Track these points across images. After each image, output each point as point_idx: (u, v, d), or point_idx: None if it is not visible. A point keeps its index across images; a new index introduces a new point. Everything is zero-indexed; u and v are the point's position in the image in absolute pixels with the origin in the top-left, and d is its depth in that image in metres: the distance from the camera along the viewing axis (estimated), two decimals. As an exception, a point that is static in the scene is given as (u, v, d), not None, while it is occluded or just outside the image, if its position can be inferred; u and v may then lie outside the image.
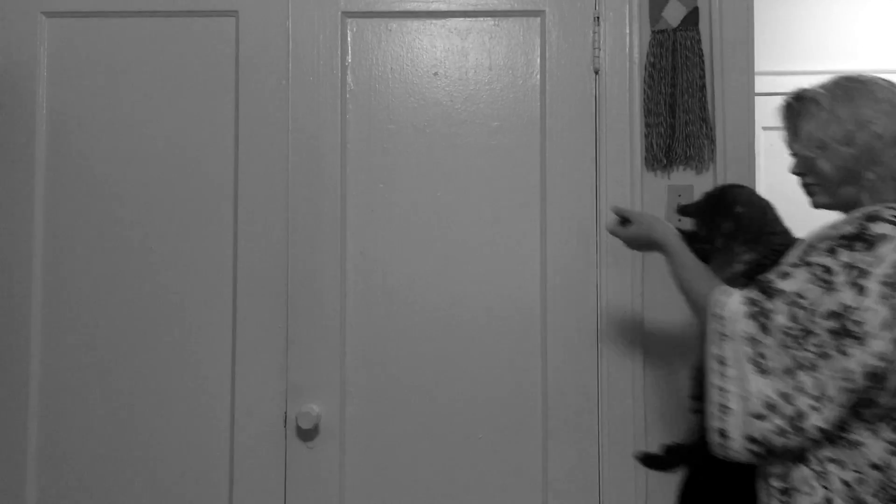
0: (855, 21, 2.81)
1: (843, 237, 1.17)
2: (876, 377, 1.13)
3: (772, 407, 1.16)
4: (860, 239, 1.15)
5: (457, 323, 1.78)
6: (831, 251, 1.17)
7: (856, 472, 1.18)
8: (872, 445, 1.18)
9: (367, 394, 1.78)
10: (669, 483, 1.75)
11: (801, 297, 1.17)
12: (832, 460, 1.19)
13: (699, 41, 1.78)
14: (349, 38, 1.82)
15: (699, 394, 1.34)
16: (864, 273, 1.13)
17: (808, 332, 1.15)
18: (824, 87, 1.32)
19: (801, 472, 1.20)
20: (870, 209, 1.21)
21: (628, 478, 1.73)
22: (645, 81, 1.78)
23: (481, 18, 1.82)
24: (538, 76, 1.81)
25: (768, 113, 2.70)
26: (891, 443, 1.18)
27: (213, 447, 1.78)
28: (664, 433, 1.75)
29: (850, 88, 1.29)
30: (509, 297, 1.79)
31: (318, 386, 1.77)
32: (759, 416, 1.17)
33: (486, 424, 1.77)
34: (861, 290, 1.13)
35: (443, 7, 1.82)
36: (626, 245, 1.49)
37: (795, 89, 1.35)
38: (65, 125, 1.83)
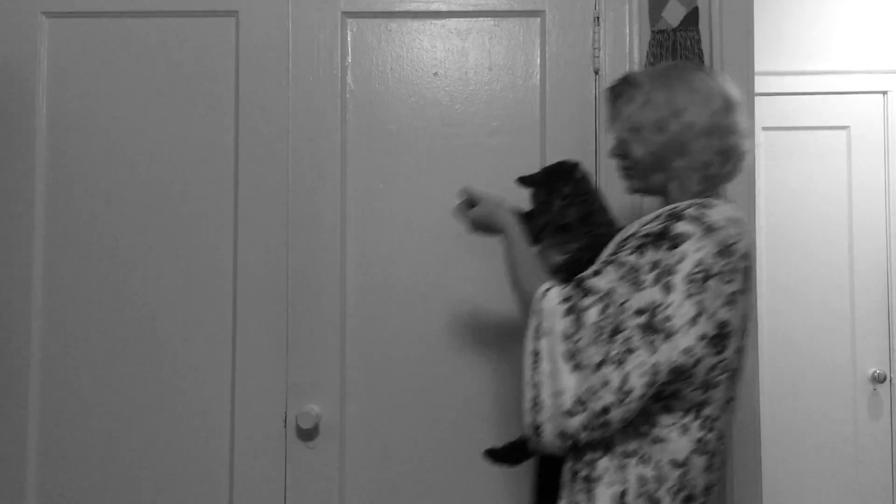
0: (854, 21, 2.81)
1: (649, 235, 1.20)
2: (681, 371, 1.17)
3: (581, 402, 1.18)
4: (664, 238, 1.18)
5: (457, 323, 1.78)
6: (639, 249, 1.19)
7: (657, 468, 1.20)
8: (678, 442, 1.20)
9: (367, 394, 1.78)
10: (669, 483, 1.75)
11: (612, 293, 1.18)
12: (634, 454, 1.21)
13: (699, 41, 1.79)
14: (349, 38, 1.82)
15: None
16: (669, 271, 1.16)
17: (617, 328, 1.17)
18: (649, 72, 1.35)
19: (605, 463, 1.22)
20: (673, 207, 1.23)
21: (628, 478, 1.73)
22: (645, 81, 1.78)
23: (481, 19, 1.82)
24: (538, 76, 1.81)
25: (768, 113, 2.72)
26: (698, 441, 1.20)
27: (214, 447, 1.78)
28: (664, 433, 1.75)
29: (670, 76, 1.31)
30: (509, 297, 1.78)
31: (318, 386, 1.77)
32: (570, 413, 1.18)
33: (486, 424, 1.77)
34: (667, 287, 1.15)
35: (443, 7, 1.82)
36: (471, 228, 1.45)
37: (625, 72, 1.37)
38: (65, 125, 1.83)
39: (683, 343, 1.15)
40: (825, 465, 2.77)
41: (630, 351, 1.16)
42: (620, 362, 1.16)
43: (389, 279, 1.79)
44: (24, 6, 1.83)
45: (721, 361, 1.20)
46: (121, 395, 1.79)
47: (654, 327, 1.15)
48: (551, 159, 1.79)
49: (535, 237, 1.44)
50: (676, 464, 1.20)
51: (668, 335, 1.15)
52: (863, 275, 2.78)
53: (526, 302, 1.29)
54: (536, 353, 1.23)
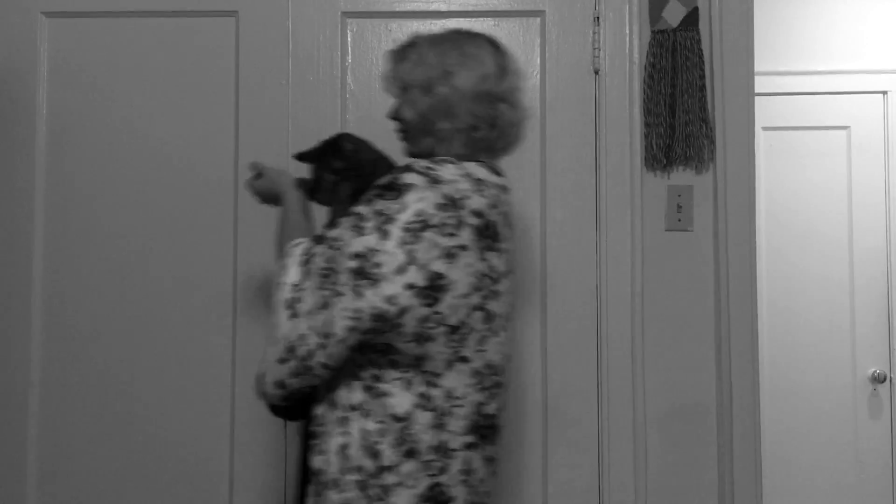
0: (855, 21, 2.81)
1: (379, 186, 1.20)
2: (384, 319, 1.15)
3: (291, 349, 1.17)
4: (391, 188, 1.18)
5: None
6: (369, 200, 1.19)
7: (379, 422, 1.18)
8: (400, 397, 1.19)
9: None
10: (670, 483, 1.75)
11: (337, 240, 1.18)
12: (358, 408, 1.20)
13: (699, 41, 1.79)
14: (349, 38, 1.82)
15: None
16: (389, 219, 1.15)
17: (334, 272, 1.16)
18: (427, 34, 1.34)
19: (331, 416, 1.22)
20: (408, 161, 1.24)
21: (628, 478, 1.73)
22: (645, 82, 1.78)
23: (481, 18, 1.82)
24: (538, 76, 1.81)
25: (768, 113, 2.72)
26: (420, 395, 1.19)
27: (214, 446, 1.78)
28: (664, 432, 1.75)
29: (446, 39, 1.31)
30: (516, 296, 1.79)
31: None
32: (282, 360, 1.18)
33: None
34: (385, 234, 1.15)
35: (443, 7, 1.82)
36: (258, 199, 1.46)
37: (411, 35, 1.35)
38: (65, 125, 1.83)
39: (388, 290, 1.14)
40: (825, 465, 2.77)
41: (338, 294, 1.15)
42: (328, 305, 1.15)
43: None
44: (24, 6, 1.83)
45: (435, 314, 1.16)
46: (121, 395, 1.79)
47: (363, 272, 1.14)
48: (551, 158, 1.79)
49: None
50: (397, 418, 1.18)
51: (375, 281, 1.14)
52: (863, 275, 2.78)
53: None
54: (273, 306, 1.23)
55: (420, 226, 1.15)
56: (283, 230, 1.35)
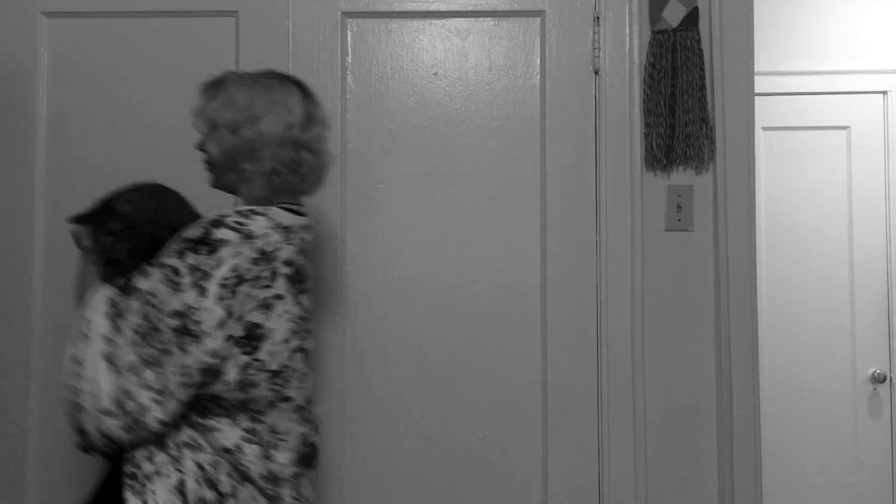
0: (854, 21, 2.81)
1: (190, 240, 1.23)
2: (211, 373, 1.21)
3: (119, 404, 1.21)
4: (204, 243, 1.22)
5: (456, 323, 1.78)
6: (180, 253, 1.23)
7: (211, 454, 1.24)
8: (228, 432, 1.25)
9: (367, 394, 1.78)
10: (670, 483, 1.75)
11: (152, 295, 1.22)
12: (188, 445, 1.25)
13: (699, 41, 1.79)
14: (349, 38, 1.82)
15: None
16: (206, 275, 1.20)
17: (155, 330, 1.21)
18: (240, 74, 1.38)
19: (160, 458, 1.25)
20: (217, 214, 1.26)
21: (628, 478, 1.73)
22: (645, 82, 1.78)
23: (481, 18, 1.82)
24: (538, 76, 1.81)
25: (768, 113, 2.72)
26: (246, 430, 1.25)
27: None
28: (664, 431, 1.75)
29: (256, 82, 1.35)
30: (509, 298, 1.79)
31: (318, 386, 1.77)
32: (108, 413, 1.22)
33: (486, 424, 1.77)
34: (202, 291, 1.20)
35: (443, 7, 1.82)
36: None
37: (222, 73, 1.39)
38: (65, 125, 1.83)
39: (211, 345, 1.20)
40: (825, 465, 2.76)
41: (167, 353, 1.20)
42: (157, 363, 1.20)
43: (389, 279, 1.79)
44: (24, 6, 1.83)
45: (256, 361, 1.24)
46: (121, 395, 1.79)
47: (186, 330, 1.20)
48: (551, 158, 1.79)
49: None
50: (226, 450, 1.24)
51: (197, 337, 1.19)
52: (863, 275, 2.78)
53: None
54: (79, 359, 1.25)
55: (236, 281, 1.21)
56: (83, 276, 1.40)
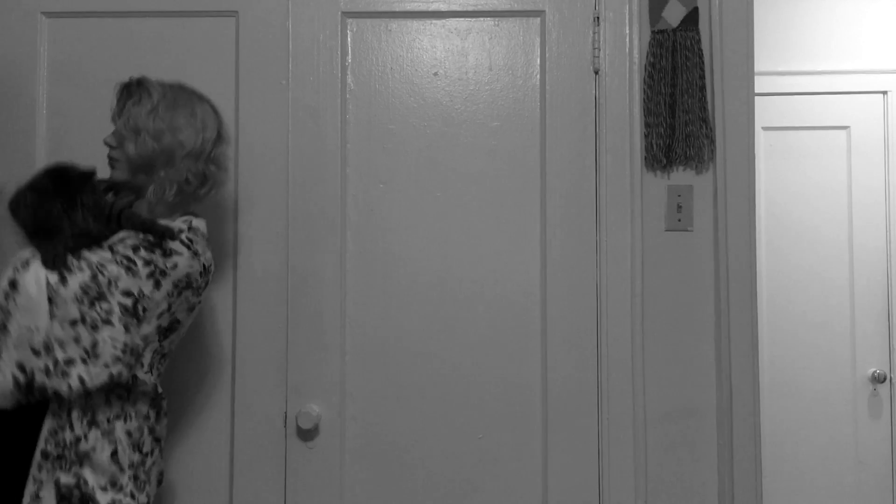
0: (854, 21, 2.82)
1: (148, 241, 1.40)
2: (137, 354, 1.39)
3: (48, 347, 1.32)
4: (160, 247, 1.41)
5: (456, 324, 1.78)
6: (135, 248, 1.39)
7: (136, 422, 1.42)
8: (144, 399, 1.44)
9: (367, 394, 1.78)
10: (670, 483, 1.76)
11: (104, 266, 1.35)
12: (118, 417, 1.40)
13: (699, 41, 1.79)
14: (349, 38, 1.83)
15: None
16: (163, 273, 1.39)
17: (102, 297, 1.34)
18: (163, 84, 1.51)
19: (94, 435, 1.38)
20: (167, 225, 1.42)
21: (628, 477, 1.74)
22: (645, 81, 1.78)
23: (481, 18, 1.82)
24: (538, 76, 1.81)
25: (768, 113, 2.72)
26: (153, 399, 1.45)
27: (214, 447, 1.78)
28: (664, 431, 1.75)
29: (179, 97, 1.51)
30: (509, 298, 1.79)
31: (318, 386, 1.77)
32: (36, 352, 1.32)
33: (486, 424, 1.77)
34: (157, 284, 1.39)
35: (443, 7, 1.82)
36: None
37: (140, 75, 1.52)
38: (65, 125, 1.83)
39: (146, 331, 1.39)
40: (825, 465, 2.77)
41: (108, 322, 1.34)
42: (95, 327, 1.33)
43: (389, 279, 1.79)
44: (24, 6, 1.83)
45: (161, 346, 1.45)
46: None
47: (135, 311, 1.36)
48: (551, 158, 1.79)
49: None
50: (146, 416, 1.44)
51: (140, 322, 1.37)
52: (863, 275, 2.78)
53: None
54: (20, 286, 1.32)
55: (185, 285, 1.43)
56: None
